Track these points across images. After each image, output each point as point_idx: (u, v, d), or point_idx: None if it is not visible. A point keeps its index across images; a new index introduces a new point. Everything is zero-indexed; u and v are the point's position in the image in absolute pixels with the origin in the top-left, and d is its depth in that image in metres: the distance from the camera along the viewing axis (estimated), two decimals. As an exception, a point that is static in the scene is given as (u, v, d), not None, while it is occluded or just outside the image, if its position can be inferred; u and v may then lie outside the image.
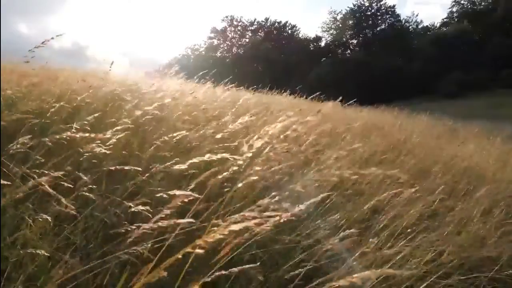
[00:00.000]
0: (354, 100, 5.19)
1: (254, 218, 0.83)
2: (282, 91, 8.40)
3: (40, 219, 1.37)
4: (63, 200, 1.36)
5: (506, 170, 4.39)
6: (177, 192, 0.92)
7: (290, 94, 8.33)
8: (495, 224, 2.48)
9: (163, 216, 0.94)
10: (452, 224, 2.33)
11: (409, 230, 2.10)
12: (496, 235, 2.34)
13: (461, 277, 1.78)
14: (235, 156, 0.97)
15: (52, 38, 1.88)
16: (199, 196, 0.97)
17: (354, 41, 53.88)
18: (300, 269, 1.52)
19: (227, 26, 56.70)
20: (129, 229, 1.04)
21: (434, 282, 1.69)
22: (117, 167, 1.60)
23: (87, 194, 1.51)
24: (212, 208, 1.49)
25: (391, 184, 2.79)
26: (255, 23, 56.29)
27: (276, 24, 55.61)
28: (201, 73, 5.73)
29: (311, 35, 56.01)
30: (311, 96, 5.47)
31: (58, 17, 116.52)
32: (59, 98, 2.81)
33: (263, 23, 56.06)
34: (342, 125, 5.10)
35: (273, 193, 1.10)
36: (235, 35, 56.81)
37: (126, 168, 1.58)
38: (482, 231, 2.37)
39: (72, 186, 1.50)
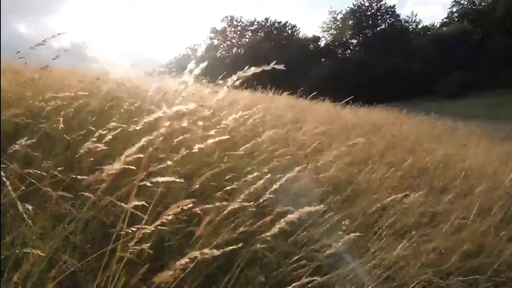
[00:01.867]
0: (354, 100, 5.20)
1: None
2: (282, 91, 8.42)
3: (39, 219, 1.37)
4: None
5: (506, 169, 4.39)
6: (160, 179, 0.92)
7: (289, 94, 8.34)
8: (494, 223, 2.48)
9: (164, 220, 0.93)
10: (452, 223, 2.33)
11: (409, 230, 2.09)
12: (496, 235, 2.34)
13: (460, 278, 1.78)
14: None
15: (51, 37, 1.88)
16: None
17: (354, 41, 53.87)
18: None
19: (227, 26, 56.68)
20: (129, 230, 1.03)
21: (433, 282, 1.68)
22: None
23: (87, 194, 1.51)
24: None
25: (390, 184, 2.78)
26: (255, 23, 56.27)
27: (276, 24, 55.57)
28: (197, 71, 5.72)
29: (311, 35, 56.00)
30: (311, 96, 5.48)
31: (57, 17, 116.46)
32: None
33: (263, 23, 56.04)
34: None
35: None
36: (235, 35, 56.79)
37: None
38: (482, 230, 2.37)
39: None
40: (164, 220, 0.89)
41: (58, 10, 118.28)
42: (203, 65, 0.88)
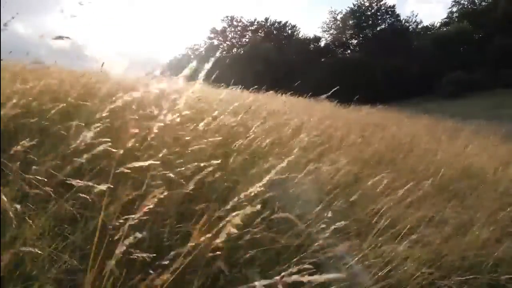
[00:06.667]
0: (354, 99, 5.21)
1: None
2: (282, 91, 8.43)
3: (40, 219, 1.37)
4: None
5: (506, 169, 4.38)
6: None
7: (290, 94, 8.37)
8: (494, 224, 2.48)
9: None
10: (453, 224, 2.33)
11: (409, 231, 2.09)
12: (496, 236, 2.34)
13: (460, 278, 1.78)
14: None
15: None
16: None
17: (354, 41, 53.87)
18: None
19: (227, 26, 56.66)
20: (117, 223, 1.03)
21: (433, 282, 1.68)
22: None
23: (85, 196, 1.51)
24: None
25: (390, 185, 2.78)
26: (255, 23, 56.23)
27: (276, 24, 55.55)
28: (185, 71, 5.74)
29: (311, 35, 55.98)
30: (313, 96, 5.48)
31: (55, 16, 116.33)
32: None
33: (263, 23, 56.01)
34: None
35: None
36: (235, 35, 56.77)
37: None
38: (483, 233, 2.36)
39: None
40: (146, 210, 0.91)
41: (56, 9, 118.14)
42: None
